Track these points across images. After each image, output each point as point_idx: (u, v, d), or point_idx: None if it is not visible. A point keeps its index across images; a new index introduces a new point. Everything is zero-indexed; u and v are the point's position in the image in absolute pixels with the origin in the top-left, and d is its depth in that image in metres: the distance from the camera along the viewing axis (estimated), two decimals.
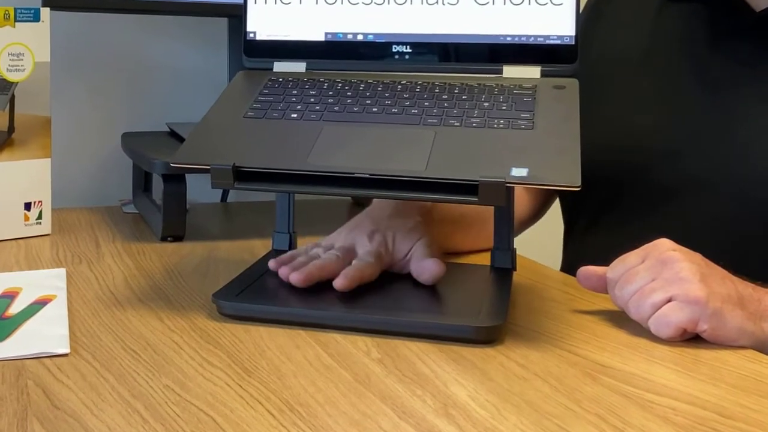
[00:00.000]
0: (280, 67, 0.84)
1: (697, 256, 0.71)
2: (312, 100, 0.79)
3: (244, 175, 0.71)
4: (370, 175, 0.69)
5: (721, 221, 0.85)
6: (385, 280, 0.79)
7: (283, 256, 0.80)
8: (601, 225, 0.96)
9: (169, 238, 1.01)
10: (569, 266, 1.00)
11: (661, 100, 0.91)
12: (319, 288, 0.76)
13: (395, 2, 0.82)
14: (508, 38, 0.80)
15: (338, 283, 0.74)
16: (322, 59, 0.83)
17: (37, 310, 0.73)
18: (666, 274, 0.69)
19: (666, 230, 0.75)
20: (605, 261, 0.76)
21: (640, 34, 0.95)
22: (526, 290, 0.84)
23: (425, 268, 0.77)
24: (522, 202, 1.05)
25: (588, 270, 0.76)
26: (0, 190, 0.97)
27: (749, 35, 0.87)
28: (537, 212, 1.08)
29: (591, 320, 0.76)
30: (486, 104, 0.76)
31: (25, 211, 0.99)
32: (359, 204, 1.27)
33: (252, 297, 0.74)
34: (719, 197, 0.85)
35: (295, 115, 0.77)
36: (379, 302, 0.74)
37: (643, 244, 0.73)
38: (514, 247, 0.83)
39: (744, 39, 0.87)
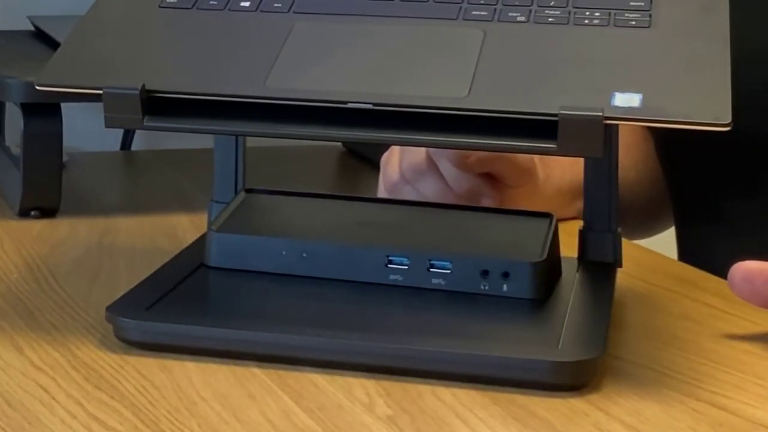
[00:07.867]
0: None
1: None
2: None
3: (159, 106, 0.71)
4: (375, 105, 0.69)
5: None
6: (402, 285, 0.78)
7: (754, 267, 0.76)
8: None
9: (33, 212, 1.01)
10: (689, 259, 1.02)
11: None
12: (288, 295, 0.77)
13: None
14: None
15: None
16: None
17: None
18: None
19: None
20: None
21: None
22: (635, 299, 0.85)
23: None
24: (635, 154, 1.06)
25: (747, 268, 0.75)
26: None
27: None
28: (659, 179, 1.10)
29: (747, 351, 0.76)
30: None
31: None
32: (355, 153, 1.27)
33: (173, 312, 0.74)
34: None
35: (246, 4, 0.78)
36: (390, 320, 0.75)
37: None
38: (618, 228, 0.83)
39: None
